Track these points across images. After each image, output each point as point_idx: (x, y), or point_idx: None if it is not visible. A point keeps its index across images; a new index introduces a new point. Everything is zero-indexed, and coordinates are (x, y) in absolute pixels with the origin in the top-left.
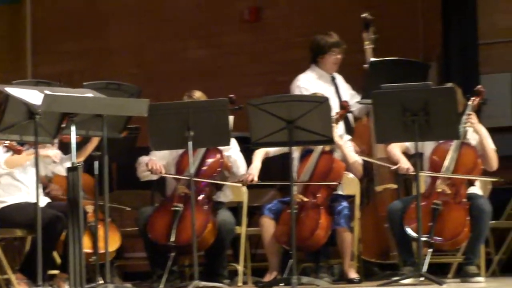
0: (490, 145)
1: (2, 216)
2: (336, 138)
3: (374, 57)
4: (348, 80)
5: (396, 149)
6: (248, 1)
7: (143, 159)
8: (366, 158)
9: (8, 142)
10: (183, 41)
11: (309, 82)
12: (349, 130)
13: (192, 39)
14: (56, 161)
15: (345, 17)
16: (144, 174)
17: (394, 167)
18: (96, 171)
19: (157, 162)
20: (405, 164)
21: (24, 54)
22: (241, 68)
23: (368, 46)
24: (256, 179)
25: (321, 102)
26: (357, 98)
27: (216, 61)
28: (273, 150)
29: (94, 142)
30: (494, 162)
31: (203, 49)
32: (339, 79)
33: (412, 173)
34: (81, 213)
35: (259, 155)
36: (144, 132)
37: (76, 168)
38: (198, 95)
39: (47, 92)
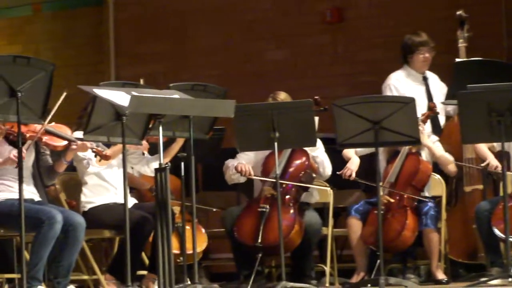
0: None
1: (90, 217)
2: (425, 138)
3: (467, 56)
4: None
5: (483, 146)
6: (329, 2)
7: (231, 162)
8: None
9: (95, 147)
10: (263, 42)
11: (398, 81)
12: (437, 130)
13: (272, 40)
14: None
15: (429, 16)
16: (233, 178)
17: (483, 164)
18: (183, 172)
19: (246, 164)
20: (493, 161)
21: (107, 56)
22: (323, 69)
23: (462, 45)
24: (353, 175)
25: (407, 102)
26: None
27: (297, 62)
28: (360, 149)
29: (179, 143)
30: None
31: (283, 50)
32: (433, 79)
33: (499, 171)
34: (170, 213)
35: (352, 152)
36: (229, 133)
37: (164, 169)
38: (282, 96)
39: (134, 93)
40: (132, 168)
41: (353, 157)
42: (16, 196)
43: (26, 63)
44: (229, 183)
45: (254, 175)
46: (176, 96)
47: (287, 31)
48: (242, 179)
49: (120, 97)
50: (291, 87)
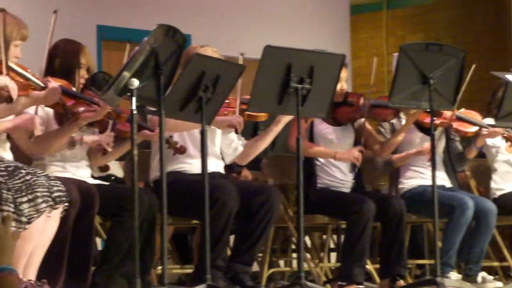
0: None
1: (501, 204)
2: None
3: None
4: None
5: None
6: None
7: None
8: None
9: (506, 133)
10: None
11: None
12: None
13: None
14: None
15: None
16: None
17: None
18: None
19: None
20: None
21: (509, 42)
22: None
23: None
24: None
25: None
26: None
27: None
28: None
29: None
30: None
31: None
32: None
33: None
34: None
35: None
36: None
37: None
38: None
39: None
40: None
41: None
42: (428, 182)
43: (439, 50)
44: None
45: None
46: None
47: None
48: None
49: None
50: None
